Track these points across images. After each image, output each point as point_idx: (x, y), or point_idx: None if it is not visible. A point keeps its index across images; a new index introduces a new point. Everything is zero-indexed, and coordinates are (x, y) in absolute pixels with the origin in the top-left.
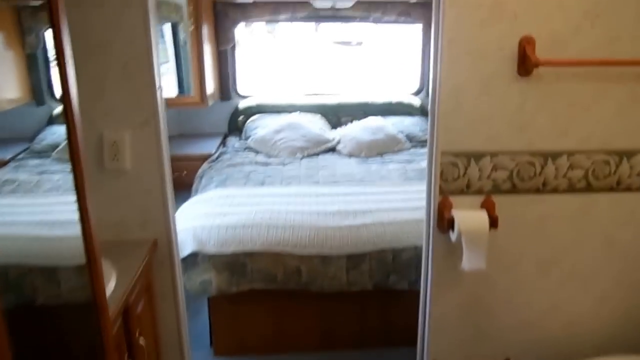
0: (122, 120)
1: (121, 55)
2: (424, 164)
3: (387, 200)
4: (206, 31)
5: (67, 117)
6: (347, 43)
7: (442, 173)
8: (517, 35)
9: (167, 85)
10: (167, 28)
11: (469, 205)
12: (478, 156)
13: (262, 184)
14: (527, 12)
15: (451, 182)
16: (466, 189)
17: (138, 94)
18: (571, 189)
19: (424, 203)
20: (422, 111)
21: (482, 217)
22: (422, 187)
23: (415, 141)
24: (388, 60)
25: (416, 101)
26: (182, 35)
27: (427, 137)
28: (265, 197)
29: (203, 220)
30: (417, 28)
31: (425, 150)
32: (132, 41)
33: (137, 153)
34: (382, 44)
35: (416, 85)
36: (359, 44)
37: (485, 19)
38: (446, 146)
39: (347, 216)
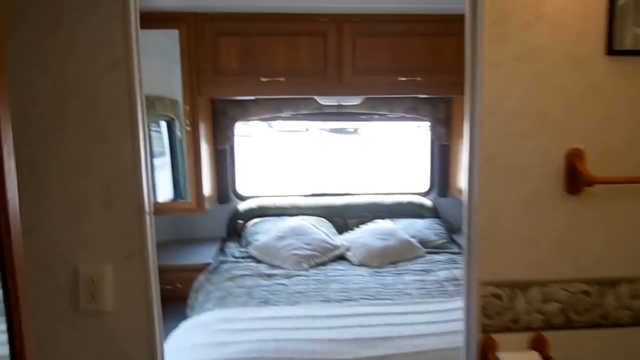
0: (103, 251)
1: (102, 173)
2: (442, 274)
3: (409, 322)
4: (203, 131)
5: None
6: (342, 130)
7: (483, 307)
8: (563, 147)
9: (162, 183)
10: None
11: (517, 344)
12: (524, 286)
13: (266, 302)
14: (573, 122)
15: (494, 317)
16: (512, 325)
17: (122, 220)
18: (637, 321)
19: (449, 326)
20: (434, 213)
21: (534, 359)
22: (445, 305)
23: (430, 247)
24: (388, 152)
25: (427, 202)
26: (178, 133)
27: (464, 268)
28: (270, 321)
29: (199, 353)
30: (424, 125)
31: (441, 257)
32: (117, 156)
33: (120, 291)
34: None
35: (426, 185)
36: (355, 131)
37: (527, 130)
38: (487, 275)
39: (366, 345)
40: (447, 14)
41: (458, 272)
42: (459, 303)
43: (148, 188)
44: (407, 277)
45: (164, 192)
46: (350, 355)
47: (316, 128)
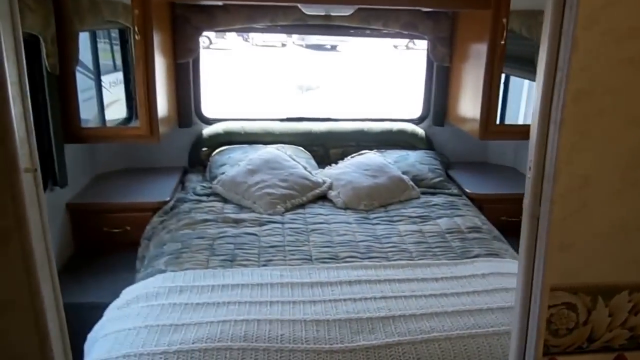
0: None
1: None
2: (442, 224)
3: (412, 293)
4: (159, 41)
5: None
6: (321, 47)
7: (549, 322)
8: None
9: (115, 106)
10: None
11: None
12: (610, 292)
13: (232, 260)
14: None
15: (563, 335)
16: (586, 345)
17: None
18: None
19: (464, 302)
20: (427, 143)
21: None
22: (455, 269)
23: (424, 185)
24: (372, 72)
25: (419, 131)
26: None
27: (519, 265)
28: (236, 290)
29: (140, 342)
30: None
31: (438, 199)
32: None
33: None
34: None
35: (418, 112)
36: (334, 48)
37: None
38: (559, 277)
39: (361, 328)
40: None
41: (461, 222)
42: (470, 268)
43: (28, 131)
44: (402, 227)
45: (117, 114)
46: (341, 342)
47: (293, 43)
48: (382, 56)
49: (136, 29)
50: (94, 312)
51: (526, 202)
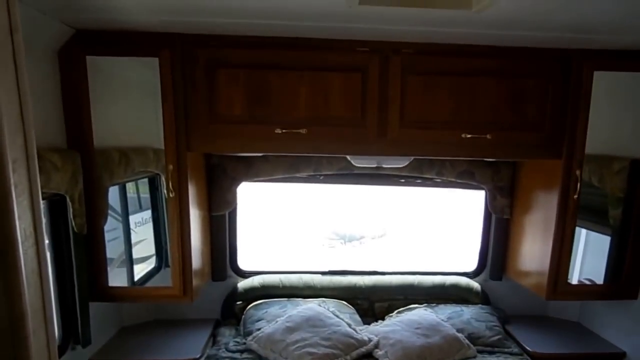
0: None
1: None
2: None
3: None
4: (194, 195)
5: None
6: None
7: None
8: None
9: (140, 242)
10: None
11: None
12: None
13: None
14: None
15: None
16: None
17: None
18: None
19: None
20: (483, 298)
21: None
22: None
23: (481, 344)
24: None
25: (475, 285)
26: (164, 191)
27: None
28: None
29: None
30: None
31: (497, 359)
32: None
33: None
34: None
35: (473, 265)
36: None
37: None
38: None
39: None
40: (532, 47)
41: None
42: None
43: None
44: None
45: (143, 252)
46: None
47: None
48: (423, 194)
49: (170, 185)
50: None
51: None
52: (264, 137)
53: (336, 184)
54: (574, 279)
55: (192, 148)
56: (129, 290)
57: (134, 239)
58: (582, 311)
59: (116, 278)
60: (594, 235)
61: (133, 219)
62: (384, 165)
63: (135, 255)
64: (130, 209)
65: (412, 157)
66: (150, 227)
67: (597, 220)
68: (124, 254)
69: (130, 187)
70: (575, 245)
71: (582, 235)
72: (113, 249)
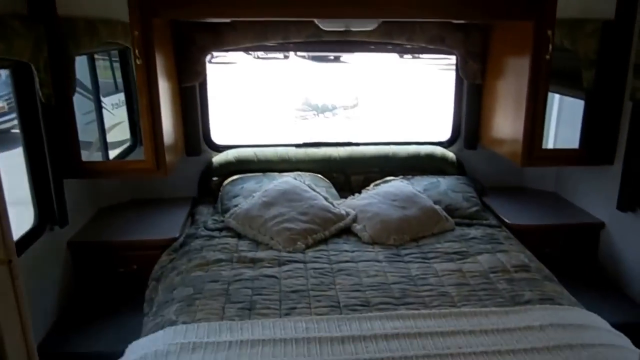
0: None
1: None
2: (484, 261)
3: (459, 350)
4: (162, 65)
5: None
6: (324, 59)
7: None
8: None
9: (117, 129)
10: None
11: None
12: None
13: (251, 308)
14: None
15: None
16: None
17: None
18: None
19: None
20: (458, 168)
21: None
22: (507, 320)
23: (458, 216)
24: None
25: (450, 154)
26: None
27: None
28: (256, 349)
29: None
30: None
31: (476, 231)
32: None
33: None
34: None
35: (447, 134)
36: (337, 59)
37: None
38: None
39: None
40: None
41: (505, 258)
42: (524, 317)
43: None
44: (438, 265)
45: (121, 136)
46: None
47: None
48: (390, 66)
49: (137, 52)
50: None
51: None
52: (230, 1)
53: (305, 52)
54: (549, 144)
55: (157, 13)
56: (103, 164)
57: (111, 121)
58: (559, 181)
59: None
60: (568, 102)
61: (110, 100)
62: (352, 29)
63: (112, 139)
64: (106, 90)
65: (381, 20)
66: (122, 112)
67: (570, 84)
68: (98, 132)
69: (104, 70)
70: (548, 113)
71: (556, 102)
72: (91, 132)
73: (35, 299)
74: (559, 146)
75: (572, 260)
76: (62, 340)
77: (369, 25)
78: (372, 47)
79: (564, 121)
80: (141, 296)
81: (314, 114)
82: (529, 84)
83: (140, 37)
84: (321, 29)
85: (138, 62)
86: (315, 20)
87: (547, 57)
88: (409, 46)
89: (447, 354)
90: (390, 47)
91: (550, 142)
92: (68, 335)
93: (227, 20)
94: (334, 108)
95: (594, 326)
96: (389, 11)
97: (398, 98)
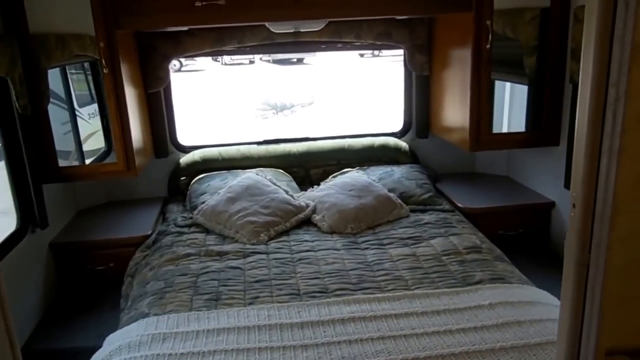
0: None
1: None
2: (437, 244)
3: (412, 331)
4: (127, 73)
5: None
6: (287, 61)
7: None
8: None
9: (94, 138)
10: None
11: None
12: None
13: (217, 299)
14: None
15: None
16: None
17: None
18: None
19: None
20: (412, 157)
21: None
22: (458, 299)
23: (413, 203)
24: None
25: (402, 144)
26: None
27: (560, 325)
28: (221, 337)
29: None
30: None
31: (430, 216)
32: None
33: None
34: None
35: (399, 125)
36: (300, 61)
37: None
38: (618, 339)
39: None
40: None
41: (457, 241)
42: (474, 297)
43: None
44: (394, 250)
45: (99, 144)
46: None
47: (260, 59)
48: (350, 65)
49: (103, 62)
50: (81, 357)
51: (570, 248)
52: (184, 10)
53: (260, 54)
54: (504, 129)
55: (120, 25)
56: (78, 168)
57: (88, 130)
58: (510, 165)
59: None
60: (520, 88)
61: (86, 110)
62: (302, 30)
63: (89, 148)
64: (82, 101)
65: (327, 20)
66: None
67: (515, 71)
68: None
69: (80, 83)
70: (501, 99)
71: (507, 89)
72: (70, 141)
73: (20, 299)
74: (513, 130)
75: (526, 240)
76: (47, 337)
77: (316, 26)
78: (323, 46)
79: (515, 107)
80: (119, 292)
81: (274, 113)
82: (472, 73)
83: (105, 48)
84: (274, 33)
85: (105, 71)
86: (266, 24)
87: (488, 46)
88: (357, 43)
89: (401, 335)
90: (340, 45)
91: (504, 127)
92: (52, 332)
93: (185, 28)
94: (292, 106)
95: (543, 302)
96: (332, 11)
97: (355, 94)
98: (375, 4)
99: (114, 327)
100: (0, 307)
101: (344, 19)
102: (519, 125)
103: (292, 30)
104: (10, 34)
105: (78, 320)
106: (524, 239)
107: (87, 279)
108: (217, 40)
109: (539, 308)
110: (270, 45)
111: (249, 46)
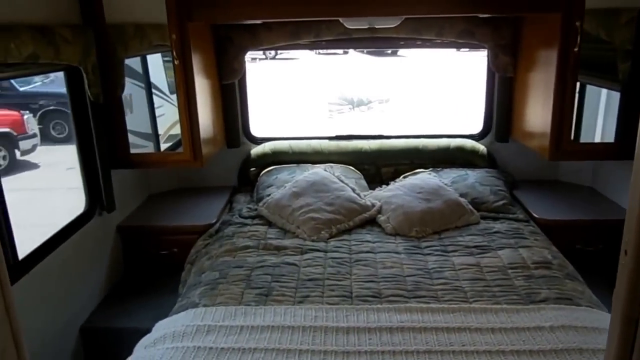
0: None
1: None
2: (505, 256)
3: (462, 348)
4: (200, 64)
5: None
6: (381, 53)
7: None
8: None
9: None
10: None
11: None
12: None
13: (267, 295)
14: None
15: None
16: None
17: None
18: None
19: None
20: (489, 161)
21: None
22: (518, 318)
23: (485, 209)
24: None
25: (480, 147)
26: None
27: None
28: (265, 335)
29: None
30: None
31: (501, 225)
32: None
33: None
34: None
35: (479, 127)
36: (394, 52)
37: None
38: None
39: None
40: None
41: (527, 254)
42: (535, 317)
43: None
44: (457, 259)
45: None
46: None
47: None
48: (445, 59)
49: (174, 53)
50: (136, 337)
51: (618, 299)
52: (261, 4)
53: (337, 49)
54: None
55: (193, 18)
56: (147, 156)
57: (173, 118)
58: (596, 175)
59: None
60: (616, 95)
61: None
62: (376, 26)
63: (175, 132)
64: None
65: (403, 17)
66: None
67: (608, 76)
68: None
69: (171, 70)
70: (595, 107)
71: (603, 95)
72: (161, 125)
73: (85, 277)
74: (607, 140)
75: (606, 258)
76: (107, 316)
77: (392, 22)
78: (402, 42)
79: (611, 115)
80: (179, 277)
81: (350, 108)
82: (557, 77)
83: (177, 40)
84: (349, 29)
85: (176, 62)
86: (340, 19)
87: (576, 49)
88: (438, 41)
89: (449, 351)
90: (419, 42)
91: (597, 136)
92: (112, 311)
93: (258, 21)
94: (369, 102)
95: None
96: (408, 8)
97: (440, 90)
98: (456, 1)
99: (170, 312)
100: (6, 310)
101: (421, 15)
102: (613, 136)
103: (365, 27)
104: (87, 24)
105: (138, 302)
106: (604, 257)
107: (151, 263)
108: (293, 34)
109: (606, 336)
110: (347, 40)
111: (325, 40)
